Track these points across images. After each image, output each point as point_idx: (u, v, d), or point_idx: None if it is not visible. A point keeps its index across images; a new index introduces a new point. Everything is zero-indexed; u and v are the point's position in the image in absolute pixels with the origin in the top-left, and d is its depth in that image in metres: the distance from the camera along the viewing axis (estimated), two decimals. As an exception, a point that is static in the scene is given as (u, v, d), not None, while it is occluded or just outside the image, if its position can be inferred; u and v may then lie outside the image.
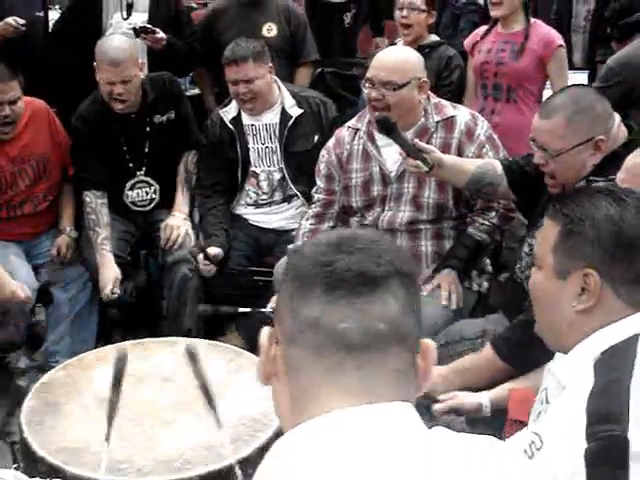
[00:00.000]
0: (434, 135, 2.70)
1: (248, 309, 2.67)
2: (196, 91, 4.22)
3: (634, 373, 1.16)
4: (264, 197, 3.29)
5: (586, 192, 1.43)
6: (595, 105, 2.11)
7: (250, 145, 3.25)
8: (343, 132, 2.89)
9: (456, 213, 2.77)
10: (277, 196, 3.28)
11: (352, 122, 2.90)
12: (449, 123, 2.71)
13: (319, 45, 4.04)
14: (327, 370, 0.88)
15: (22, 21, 3.56)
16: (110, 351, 2.39)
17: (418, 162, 2.43)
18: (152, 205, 3.36)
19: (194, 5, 5.24)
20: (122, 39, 3.18)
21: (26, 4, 3.74)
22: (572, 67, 4.81)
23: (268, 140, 3.24)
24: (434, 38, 3.86)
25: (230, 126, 3.23)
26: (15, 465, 1.91)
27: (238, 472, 1.77)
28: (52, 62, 3.71)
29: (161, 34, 3.54)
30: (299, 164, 3.19)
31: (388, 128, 2.50)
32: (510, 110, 3.53)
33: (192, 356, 1.81)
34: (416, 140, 2.50)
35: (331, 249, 0.91)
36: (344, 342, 0.87)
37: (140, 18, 3.65)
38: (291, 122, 3.19)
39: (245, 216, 3.33)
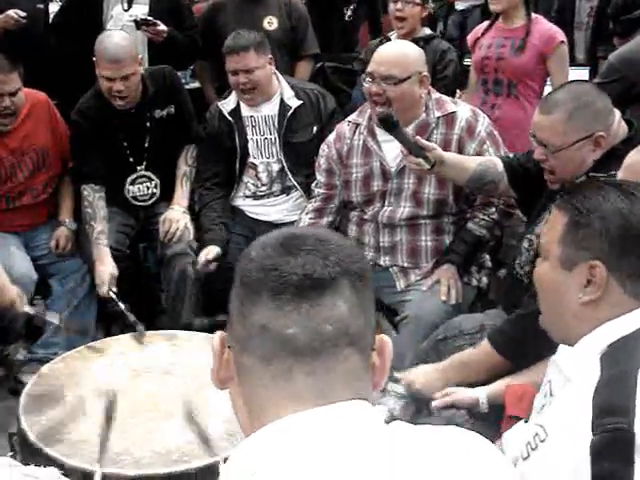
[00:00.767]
0: (435, 131, 2.70)
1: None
2: (196, 84, 4.21)
3: None
4: (263, 188, 3.29)
5: (595, 185, 1.42)
6: (595, 101, 2.11)
7: (249, 136, 3.24)
8: (344, 127, 2.89)
9: (456, 209, 2.77)
10: (276, 187, 3.28)
11: (353, 117, 2.89)
12: (450, 119, 2.71)
13: (320, 39, 4.04)
14: (276, 377, 0.86)
15: (23, 13, 3.55)
16: (109, 344, 2.40)
17: (420, 160, 2.43)
18: (153, 200, 3.36)
19: (195, -2, 5.22)
20: (121, 35, 3.17)
21: (27, -4, 3.73)
22: (574, 63, 4.81)
23: (267, 131, 3.24)
24: (428, 31, 3.86)
25: (229, 118, 3.23)
26: (11, 453, 1.91)
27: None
28: (52, 54, 3.70)
29: (162, 26, 3.53)
30: (298, 155, 3.19)
31: (390, 125, 2.49)
32: (511, 105, 3.53)
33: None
34: (418, 137, 2.50)
35: (276, 252, 0.89)
36: (292, 348, 0.85)
37: (141, 10, 3.64)
38: (290, 113, 3.19)
39: (243, 208, 3.33)
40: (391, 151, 2.73)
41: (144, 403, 2.04)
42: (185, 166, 3.36)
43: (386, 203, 2.77)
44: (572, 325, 1.34)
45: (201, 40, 3.88)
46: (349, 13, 4.57)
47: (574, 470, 1.12)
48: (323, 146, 2.93)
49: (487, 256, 2.87)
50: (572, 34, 5.20)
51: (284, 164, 3.23)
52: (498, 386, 2.04)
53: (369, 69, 2.66)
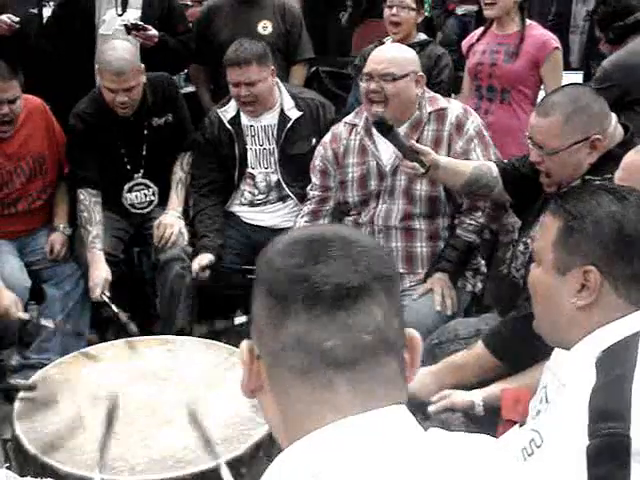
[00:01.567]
0: (426, 127, 2.71)
1: (244, 318, 2.67)
2: (190, 89, 4.21)
3: (636, 371, 1.16)
4: (260, 197, 3.28)
5: (588, 189, 1.43)
6: (592, 104, 2.12)
7: (248, 146, 3.23)
8: (340, 128, 2.90)
9: (450, 208, 2.77)
10: (272, 196, 3.28)
11: (349, 118, 2.91)
12: (441, 115, 2.73)
13: (315, 44, 4.04)
14: (316, 389, 0.85)
15: (16, 19, 3.54)
16: (103, 349, 2.39)
17: (414, 164, 2.44)
18: (151, 207, 3.35)
19: (189, 3, 5.23)
20: (124, 47, 3.15)
21: (20, 1, 3.72)
22: (569, 67, 4.83)
23: (266, 141, 3.23)
24: (423, 36, 3.86)
25: (229, 126, 3.21)
26: (7, 465, 1.90)
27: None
28: (46, 58, 3.69)
29: (153, 31, 3.52)
30: (295, 167, 3.16)
31: (385, 129, 2.50)
32: (504, 111, 3.53)
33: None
34: (412, 142, 2.51)
35: (304, 260, 0.86)
36: (331, 360, 0.84)
37: (133, 15, 3.64)
38: (289, 125, 3.18)
39: (239, 214, 3.32)
40: (386, 151, 2.75)
41: (139, 409, 2.03)
42: (181, 172, 3.35)
43: (380, 202, 2.77)
44: (566, 330, 1.34)
45: (196, 44, 3.87)
46: (344, 19, 4.58)
47: (570, 475, 1.12)
48: (319, 147, 2.94)
49: (482, 261, 2.87)
50: (567, 39, 5.23)
51: (279, 175, 3.22)
52: (494, 389, 2.04)
53: (366, 69, 2.69)
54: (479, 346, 2.13)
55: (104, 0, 3.64)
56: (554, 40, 3.53)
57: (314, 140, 3.15)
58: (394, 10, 3.72)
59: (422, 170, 2.43)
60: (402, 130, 2.67)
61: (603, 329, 1.29)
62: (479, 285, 2.82)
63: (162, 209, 3.29)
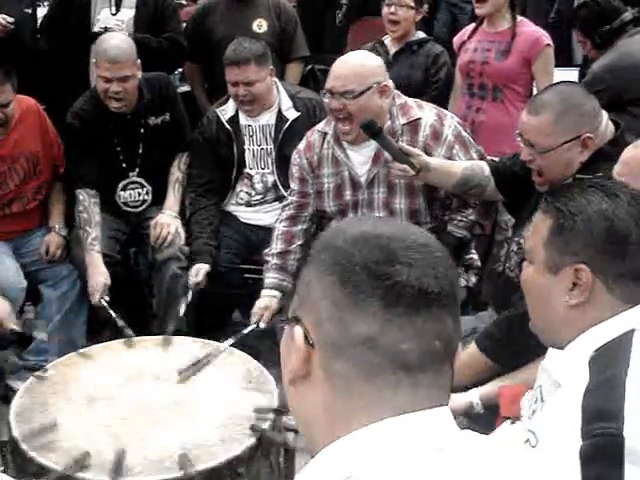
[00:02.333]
0: (400, 138, 2.64)
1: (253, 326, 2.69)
2: (186, 88, 4.20)
3: (629, 370, 1.16)
4: (257, 197, 3.28)
5: (579, 187, 1.42)
6: (583, 102, 2.12)
7: (246, 146, 3.22)
8: (314, 136, 2.84)
9: (431, 218, 2.74)
10: (269, 197, 3.27)
11: (321, 125, 2.84)
12: (414, 126, 2.65)
13: (310, 41, 4.03)
14: (381, 389, 0.83)
15: (11, 19, 3.54)
16: (100, 350, 2.39)
17: (404, 166, 2.42)
18: (144, 206, 3.35)
19: (184, 2, 5.22)
20: (121, 38, 3.17)
21: (14, 1, 3.71)
22: (572, 64, 4.82)
23: (264, 141, 3.22)
24: (421, 35, 3.86)
25: (227, 126, 3.20)
26: (2, 468, 1.90)
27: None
28: (41, 58, 3.69)
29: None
30: None
31: (373, 132, 2.47)
32: (496, 109, 3.53)
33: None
34: (402, 144, 2.49)
35: (384, 257, 0.83)
36: (402, 362, 0.83)
37: (128, 14, 3.64)
38: (286, 125, 3.16)
39: (235, 213, 3.32)
40: (358, 161, 2.71)
41: (136, 409, 2.03)
42: (178, 172, 3.35)
43: (359, 213, 2.74)
44: (560, 328, 1.34)
45: (191, 42, 3.87)
46: (340, 16, 4.57)
47: (565, 476, 1.12)
48: (294, 154, 2.89)
49: (475, 255, 2.87)
50: (570, 36, 5.22)
51: (276, 176, 3.21)
52: (492, 387, 2.04)
53: (327, 85, 2.61)
54: (472, 347, 2.13)
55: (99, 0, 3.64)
56: (545, 37, 3.52)
57: None
58: (392, 9, 3.72)
59: (412, 172, 2.42)
60: (374, 146, 2.61)
61: (596, 328, 1.29)
62: (473, 279, 2.81)
63: (158, 209, 3.29)
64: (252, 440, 1.89)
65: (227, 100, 3.23)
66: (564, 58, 5.04)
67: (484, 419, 2.01)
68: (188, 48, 3.95)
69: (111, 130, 3.19)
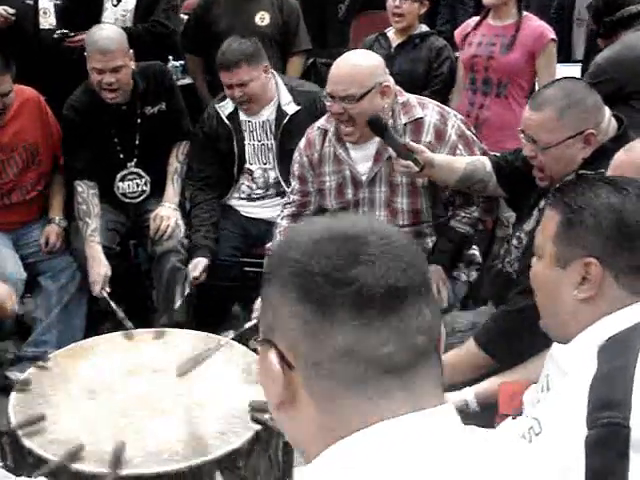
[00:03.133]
0: (402, 138, 2.60)
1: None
2: (187, 80, 4.19)
3: (638, 361, 1.15)
4: (258, 192, 3.27)
5: (587, 181, 1.42)
6: (586, 98, 2.11)
7: (246, 142, 3.21)
8: (314, 133, 2.82)
9: (433, 217, 2.73)
10: (271, 191, 3.26)
11: (321, 122, 2.81)
12: (417, 125, 2.63)
13: (312, 35, 4.02)
14: (372, 398, 0.79)
15: (12, 10, 3.54)
16: (99, 342, 2.39)
17: (409, 162, 2.42)
18: (142, 197, 3.34)
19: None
20: (112, 28, 3.17)
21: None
22: (573, 60, 4.81)
23: (264, 137, 3.21)
24: (424, 28, 3.86)
25: (227, 122, 3.19)
26: (1, 464, 1.90)
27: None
28: (43, 50, 3.68)
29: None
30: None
31: (379, 129, 2.47)
32: (499, 106, 3.52)
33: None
34: (407, 140, 2.48)
35: (344, 260, 0.78)
36: (388, 366, 0.79)
37: (130, 5, 3.67)
38: (286, 120, 3.15)
39: (236, 207, 3.31)
40: (360, 159, 2.70)
41: (135, 402, 2.03)
42: (176, 162, 3.34)
43: (360, 212, 2.73)
44: (569, 323, 1.34)
45: (193, 35, 3.89)
46: (342, 10, 4.56)
47: (568, 464, 1.11)
48: (295, 153, 2.87)
49: (477, 252, 2.87)
50: (571, 31, 5.21)
51: (277, 170, 3.20)
52: (489, 385, 2.03)
53: (327, 89, 2.58)
54: (470, 343, 2.13)
55: None
56: (550, 31, 3.52)
57: None
58: (397, 2, 3.72)
59: (416, 168, 2.42)
60: (376, 144, 2.61)
61: (606, 319, 1.28)
62: (474, 274, 2.81)
63: (158, 201, 3.28)
64: (251, 433, 1.89)
65: (226, 96, 3.21)
66: (564, 54, 5.03)
67: (480, 417, 2.00)
68: (190, 40, 3.96)
69: (107, 121, 3.18)
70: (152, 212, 3.23)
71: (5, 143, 3.14)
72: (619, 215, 1.30)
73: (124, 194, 3.33)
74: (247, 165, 3.23)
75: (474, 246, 2.88)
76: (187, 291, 2.98)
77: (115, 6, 3.64)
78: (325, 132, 2.77)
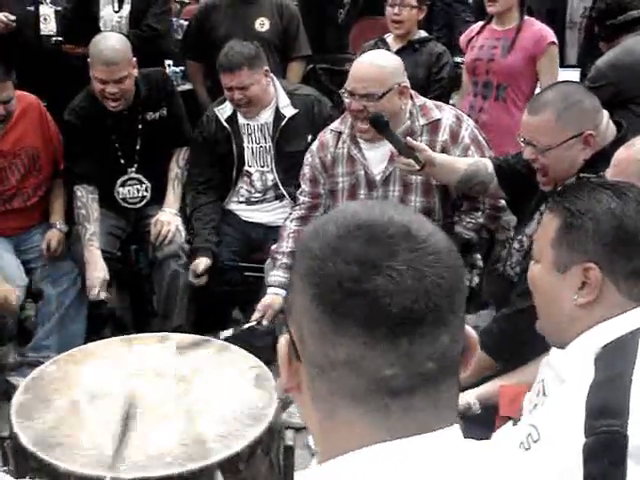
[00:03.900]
0: (419, 138, 2.68)
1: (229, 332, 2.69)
2: (188, 86, 4.21)
3: (636, 368, 1.16)
4: (257, 195, 3.28)
5: (587, 186, 1.42)
6: (583, 100, 2.12)
7: (245, 144, 3.22)
8: (327, 135, 2.87)
9: (443, 216, 2.76)
10: (270, 195, 3.27)
11: (335, 125, 2.87)
12: (434, 126, 2.70)
13: (312, 41, 4.04)
14: (369, 412, 0.76)
15: (13, 17, 3.55)
16: (100, 346, 2.39)
17: (409, 160, 2.43)
18: (143, 202, 3.35)
19: (185, 0, 5.23)
20: (117, 38, 3.17)
21: (17, -1, 3.72)
22: (564, 64, 4.82)
23: (262, 139, 3.22)
24: (423, 34, 3.88)
25: (226, 125, 3.20)
26: (4, 468, 1.90)
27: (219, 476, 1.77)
28: (45, 56, 3.69)
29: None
30: (291, 165, 3.14)
31: (380, 126, 2.50)
32: (499, 109, 3.53)
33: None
34: (408, 138, 2.50)
35: (363, 269, 0.73)
36: (388, 388, 0.74)
37: (126, 10, 3.71)
38: (284, 122, 3.16)
39: (236, 212, 3.32)
40: (375, 159, 2.73)
41: (137, 405, 2.03)
42: (177, 168, 3.35)
43: None
44: (568, 328, 1.34)
45: (193, 41, 3.92)
46: (342, 16, 4.58)
47: (567, 472, 1.12)
48: (307, 155, 2.91)
49: (478, 255, 2.88)
50: (563, 34, 5.22)
51: (275, 173, 3.21)
52: (490, 387, 2.04)
53: (348, 87, 2.63)
54: None
55: None
56: (550, 34, 3.54)
57: (310, 137, 3.13)
58: (396, 9, 3.74)
59: (417, 167, 2.43)
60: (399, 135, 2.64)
61: (603, 325, 1.28)
62: (476, 279, 2.83)
63: (159, 206, 3.29)
64: (252, 437, 1.89)
65: (225, 99, 3.23)
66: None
67: (482, 419, 2.01)
68: (191, 46, 3.98)
69: (109, 126, 3.20)
70: (153, 217, 3.24)
71: (7, 149, 3.15)
72: (619, 221, 1.30)
73: (124, 199, 3.33)
74: (246, 168, 3.24)
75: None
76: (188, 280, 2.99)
77: (116, 12, 3.65)
78: (339, 134, 2.82)
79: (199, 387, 2.13)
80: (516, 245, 2.28)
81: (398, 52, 3.80)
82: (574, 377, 1.23)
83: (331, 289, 0.74)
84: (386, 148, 2.68)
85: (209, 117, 3.27)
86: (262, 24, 3.81)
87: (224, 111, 3.22)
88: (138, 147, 3.27)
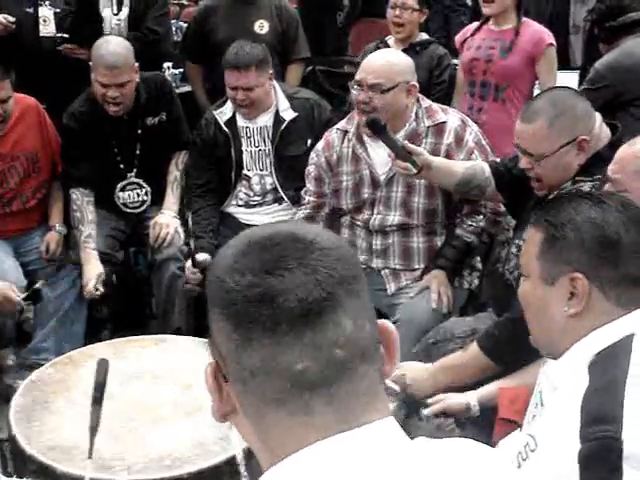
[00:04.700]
0: (424, 140, 2.70)
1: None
2: (187, 88, 4.21)
3: (629, 374, 1.16)
4: (256, 199, 3.27)
5: (567, 198, 1.44)
6: (575, 105, 2.12)
7: (244, 148, 3.21)
8: (332, 134, 2.88)
9: (446, 218, 2.77)
10: (268, 198, 3.27)
11: (341, 124, 2.89)
12: (439, 129, 2.72)
13: (311, 43, 4.04)
14: (292, 413, 0.78)
15: (12, 19, 3.55)
16: (99, 349, 2.39)
17: (407, 164, 2.44)
18: (143, 207, 3.35)
19: (185, 2, 5.23)
20: (118, 42, 3.17)
21: (16, 0, 3.71)
22: (570, 67, 4.83)
23: (261, 143, 3.21)
24: (425, 37, 3.88)
25: (225, 128, 3.19)
26: (2, 469, 1.90)
27: (242, 468, 1.77)
28: (44, 58, 3.69)
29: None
30: (290, 168, 3.14)
31: (378, 129, 2.50)
32: (497, 109, 3.54)
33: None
34: (405, 142, 2.51)
35: (257, 275, 0.78)
36: (304, 383, 0.77)
37: (123, 15, 3.71)
38: (283, 126, 3.16)
39: (235, 215, 3.32)
40: (380, 159, 2.73)
41: (135, 408, 2.03)
42: (176, 171, 3.35)
43: (375, 211, 2.76)
44: (561, 339, 1.34)
45: (192, 43, 3.92)
46: (341, 18, 4.59)
47: (562, 478, 1.12)
48: (312, 154, 2.92)
49: (478, 258, 2.88)
50: (567, 38, 5.23)
51: (274, 177, 3.20)
52: (490, 388, 2.04)
53: (357, 77, 2.67)
54: (474, 347, 2.14)
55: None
56: (549, 36, 3.55)
57: (309, 141, 3.13)
58: (397, 12, 3.75)
59: (414, 170, 2.44)
60: (397, 139, 2.64)
61: (595, 332, 1.28)
62: (475, 282, 2.83)
63: (158, 209, 3.29)
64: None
65: (225, 102, 3.22)
66: (561, 62, 5.07)
67: (480, 420, 2.01)
68: (189, 49, 3.98)
69: (108, 131, 3.20)
70: (152, 220, 3.24)
71: (5, 152, 3.14)
72: (601, 229, 1.31)
73: (125, 204, 3.33)
74: (244, 171, 3.23)
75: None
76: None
77: (115, 15, 3.65)
78: (345, 133, 2.84)
79: (198, 389, 2.12)
80: (514, 249, 2.28)
81: (399, 55, 3.82)
82: (568, 385, 1.23)
83: (233, 302, 0.79)
84: None
85: (208, 120, 3.26)
86: (261, 26, 3.81)
87: (223, 114, 3.22)
88: (138, 152, 3.26)
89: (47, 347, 3.05)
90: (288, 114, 3.17)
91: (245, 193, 3.27)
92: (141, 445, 1.87)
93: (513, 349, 2.02)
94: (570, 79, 3.97)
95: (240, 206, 3.30)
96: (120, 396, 2.09)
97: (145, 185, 3.33)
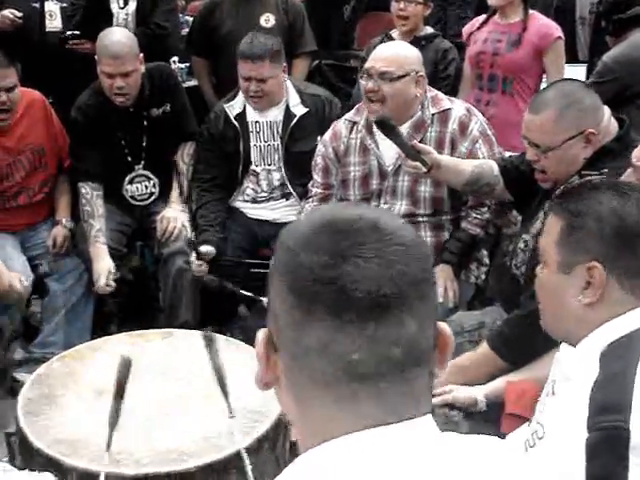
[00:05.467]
0: (430, 128, 2.71)
1: (250, 294, 2.68)
2: (193, 82, 4.21)
3: (639, 365, 1.16)
4: (263, 194, 3.26)
5: (589, 186, 1.43)
6: (583, 98, 2.11)
7: (252, 143, 3.20)
8: (340, 125, 2.88)
9: (452, 209, 2.77)
10: (276, 194, 3.26)
11: (350, 115, 2.89)
12: (444, 116, 2.72)
13: (318, 37, 4.03)
14: (339, 400, 0.78)
15: (19, 14, 3.56)
16: (106, 342, 2.39)
17: (416, 163, 2.43)
18: (151, 199, 3.35)
19: (191, -4, 5.23)
20: (123, 32, 3.19)
21: (22, -5, 3.73)
22: (576, 60, 4.81)
23: (271, 138, 3.20)
24: (429, 30, 3.87)
25: (235, 122, 3.18)
26: (6, 458, 1.91)
27: (246, 462, 1.77)
28: (50, 53, 3.70)
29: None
30: (299, 164, 3.12)
31: (387, 128, 2.49)
32: (506, 102, 3.53)
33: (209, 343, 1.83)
34: (415, 142, 2.51)
35: (331, 257, 0.77)
36: (356, 373, 0.77)
37: (132, 6, 3.71)
38: (294, 121, 3.15)
39: (242, 209, 3.31)
40: (388, 150, 2.73)
41: (142, 402, 2.04)
42: (182, 164, 3.35)
43: (382, 201, 2.77)
44: (575, 327, 1.34)
45: (198, 37, 3.92)
46: (347, 12, 4.58)
47: (569, 467, 1.12)
48: (319, 145, 2.92)
49: (484, 252, 2.87)
50: (573, 31, 5.20)
51: (283, 172, 3.19)
52: (498, 384, 2.04)
53: (366, 65, 2.69)
54: (484, 347, 2.13)
55: None
56: (556, 29, 3.54)
57: (319, 138, 3.10)
58: (402, 5, 3.74)
59: (424, 169, 2.43)
60: (405, 130, 2.67)
61: (609, 323, 1.29)
62: (482, 276, 2.82)
63: (164, 202, 3.29)
64: (258, 433, 1.89)
65: (235, 96, 3.21)
66: (568, 54, 5.05)
67: (487, 414, 2.01)
68: (195, 43, 3.98)
69: (114, 123, 3.20)
70: (159, 214, 3.25)
71: (12, 146, 3.15)
72: (621, 219, 1.31)
73: (133, 197, 3.33)
74: (252, 167, 3.23)
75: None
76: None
77: (122, 8, 3.66)
78: (353, 124, 2.84)
79: (205, 383, 2.13)
80: (521, 244, 2.27)
81: (404, 48, 3.81)
82: (579, 374, 1.24)
83: (302, 278, 0.78)
84: None
85: (217, 114, 3.25)
86: (267, 20, 3.80)
87: (233, 108, 3.20)
88: (144, 144, 3.27)
89: (54, 341, 3.06)
90: (299, 109, 3.16)
91: (252, 189, 3.26)
92: (148, 439, 1.88)
93: (522, 346, 2.02)
94: (578, 72, 3.95)
95: (247, 201, 3.29)
96: (128, 389, 2.09)
97: (153, 177, 3.33)
